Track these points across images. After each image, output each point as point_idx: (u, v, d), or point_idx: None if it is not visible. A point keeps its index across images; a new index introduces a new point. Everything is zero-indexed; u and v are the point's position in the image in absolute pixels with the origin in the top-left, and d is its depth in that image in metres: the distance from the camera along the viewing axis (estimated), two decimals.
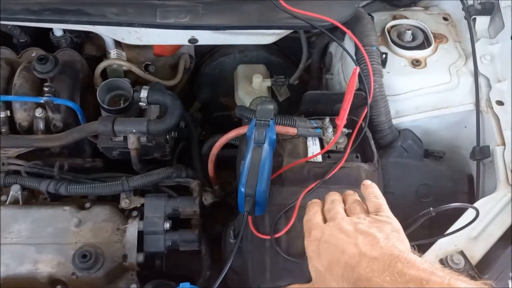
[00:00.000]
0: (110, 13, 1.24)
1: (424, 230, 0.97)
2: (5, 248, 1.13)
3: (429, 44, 1.35)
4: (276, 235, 0.99)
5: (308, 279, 0.83)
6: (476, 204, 1.03)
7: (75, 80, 1.35)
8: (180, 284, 0.90)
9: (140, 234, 1.17)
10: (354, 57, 1.23)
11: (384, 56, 1.26)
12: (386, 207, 0.83)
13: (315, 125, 1.16)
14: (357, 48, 1.23)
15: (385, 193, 1.15)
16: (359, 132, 1.17)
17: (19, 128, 1.31)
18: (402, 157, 1.24)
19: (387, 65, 1.27)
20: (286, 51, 1.68)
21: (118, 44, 1.46)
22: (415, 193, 1.22)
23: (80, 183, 1.26)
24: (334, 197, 0.88)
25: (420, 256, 0.71)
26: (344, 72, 1.42)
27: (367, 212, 0.83)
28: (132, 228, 1.17)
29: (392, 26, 1.40)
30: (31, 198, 1.28)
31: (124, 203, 1.25)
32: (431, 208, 0.92)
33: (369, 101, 1.17)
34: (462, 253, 0.96)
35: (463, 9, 1.38)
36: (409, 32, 1.35)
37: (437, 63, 1.32)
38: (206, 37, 1.31)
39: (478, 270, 0.93)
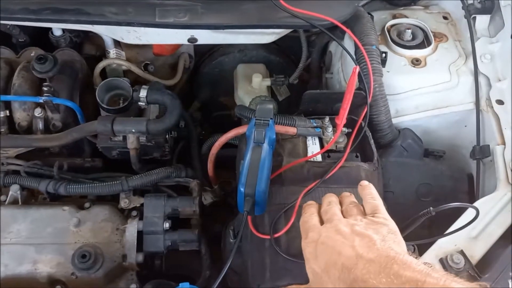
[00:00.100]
0: (109, 12, 1.24)
1: (424, 229, 0.97)
2: (5, 248, 1.13)
3: (429, 43, 1.35)
4: (276, 235, 0.99)
5: (308, 279, 0.83)
6: (476, 204, 1.02)
7: (74, 79, 1.35)
8: (180, 284, 0.90)
9: (140, 234, 1.17)
10: (354, 56, 1.23)
11: (384, 55, 1.25)
12: (383, 209, 0.84)
13: (314, 124, 1.16)
14: (356, 47, 1.23)
15: (385, 192, 1.16)
16: (359, 132, 1.16)
17: (18, 128, 1.31)
18: (402, 157, 1.23)
19: (387, 64, 1.26)
20: (285, 50, 1.68)
21: (117, 43, 1.46)
22: (415, 193, 1.22)
23: (80, 183, 1.26)
24: (330, 198, 0.88)
25: (417, 257, 0.72)
26: (344, 71, 1.42)
27: (363, 213, 0.84)
28: (132, 228, 1.17)
29: (392, 25, 1.39)
30: (30, 198, 1.28)
31: (123, 203, 1.25)
32: (431, 208, 0.92)
33: (369, 100, 1.17)
34: (462, 252, 0.96)
35: (463, 8, 1.37)
36: (409, 31, 1.35)
37: (437, 62, 1.32)
38: (206, 37, 1.30)
39: (478, 269, 0.93)
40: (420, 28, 1.39)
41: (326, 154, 1.13)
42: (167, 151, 1.40)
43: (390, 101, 1.24)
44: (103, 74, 1.48)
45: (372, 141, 1.16)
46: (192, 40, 1.30)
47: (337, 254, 0.75)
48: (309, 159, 1.11)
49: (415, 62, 1.31)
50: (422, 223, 0.94)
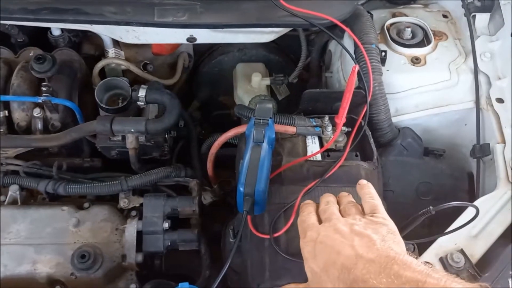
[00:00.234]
0: (108, 12, 1.23)
1: (424, 228, 0.97)
2: (4, 248, 1.13)
3: (429, 42, 1.34)
4: (275, 234, 0.99)
5: (307, 278, 0.82)
6: (476, 202, 1.02)
7: (73, 79, 1.35)
8: (179, 283, 0.90)
9: (139, 234, 1.17)
10: (354, 55, 1.23)
11: (383, 54, 1.25)
12: (382, 208, 0.83)
13: (314, 123, 1.16)
14: (356, 46, 1.23)
15: (384, 191, 1.16)
16: (358, 131, 1.16)
17: (17, 128, 1.31)
18: (402, 155, 1.23)
19: (387, 63, 1.26)
20: (285, 50, 1.68)
21: (116, 43, 1.46)
22: (415, 192, 1.22)
23: (79, 183, 1.26)
24: (328, 198, 0.88)
25: (416, 256, 0.71)
26: (344, 70, 1.42)
27: (362, 213, 0.84)
28: (131, 228, 1.17)
29: (392, 24, 1.39)
30: (29, 198, 1.28)
31: (123, 203, 1.25)
32: (431, 207, 0.91)
33: (369, 99, 1.17)
34: (462, 251, 0.96)
35: (462, 6, 1.37)
36: (409, 29, 1.35)
37: (436, 60, 1.31)
38: (205, 36, 1.30)
39: (478, 268, 0.93)
40: (420, 26, 1.38)
41: (326, 153, 1.13)
42: (167, 151, 1.40)
43: (390, 100, 1.23)
44: (102, 73, 1.48)
45: (371, 140, 1.16)
46: (191, 39, 1.30)
47: (336, 254, 0.75)
48: (309, 158, 1.11)
49: (415, 61, 1.31)
50: (422, 222, 0.94)
